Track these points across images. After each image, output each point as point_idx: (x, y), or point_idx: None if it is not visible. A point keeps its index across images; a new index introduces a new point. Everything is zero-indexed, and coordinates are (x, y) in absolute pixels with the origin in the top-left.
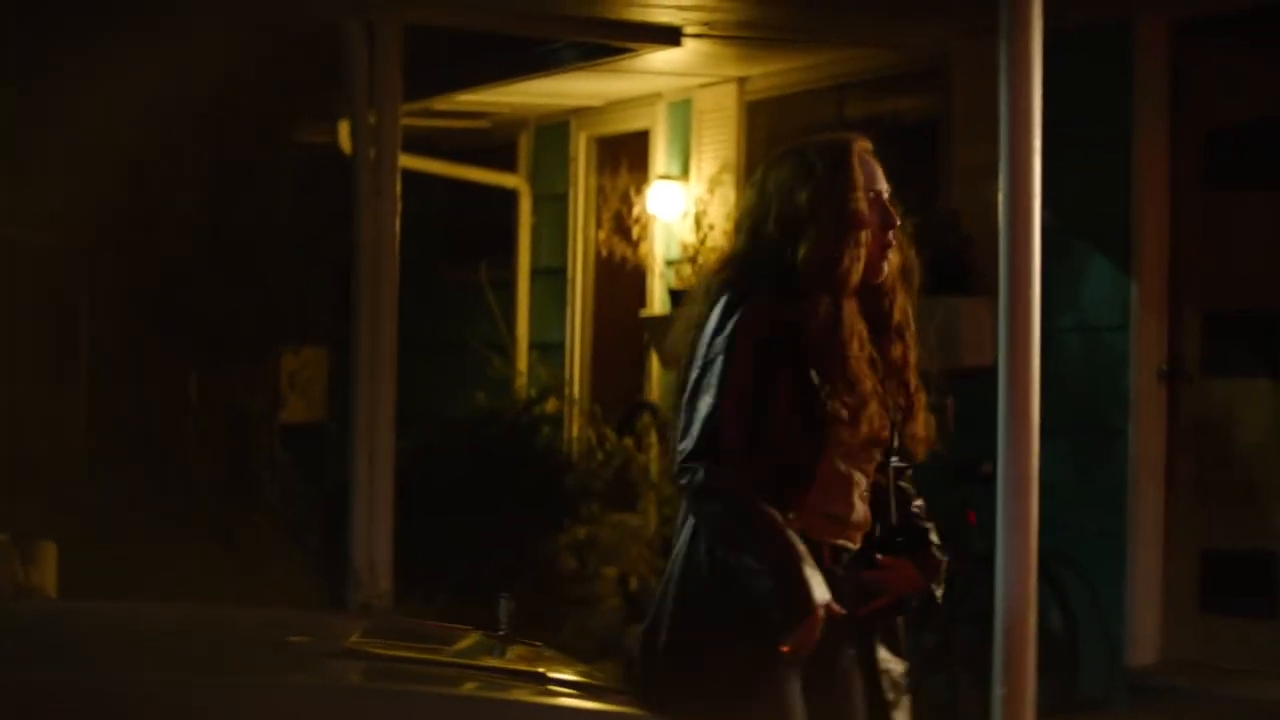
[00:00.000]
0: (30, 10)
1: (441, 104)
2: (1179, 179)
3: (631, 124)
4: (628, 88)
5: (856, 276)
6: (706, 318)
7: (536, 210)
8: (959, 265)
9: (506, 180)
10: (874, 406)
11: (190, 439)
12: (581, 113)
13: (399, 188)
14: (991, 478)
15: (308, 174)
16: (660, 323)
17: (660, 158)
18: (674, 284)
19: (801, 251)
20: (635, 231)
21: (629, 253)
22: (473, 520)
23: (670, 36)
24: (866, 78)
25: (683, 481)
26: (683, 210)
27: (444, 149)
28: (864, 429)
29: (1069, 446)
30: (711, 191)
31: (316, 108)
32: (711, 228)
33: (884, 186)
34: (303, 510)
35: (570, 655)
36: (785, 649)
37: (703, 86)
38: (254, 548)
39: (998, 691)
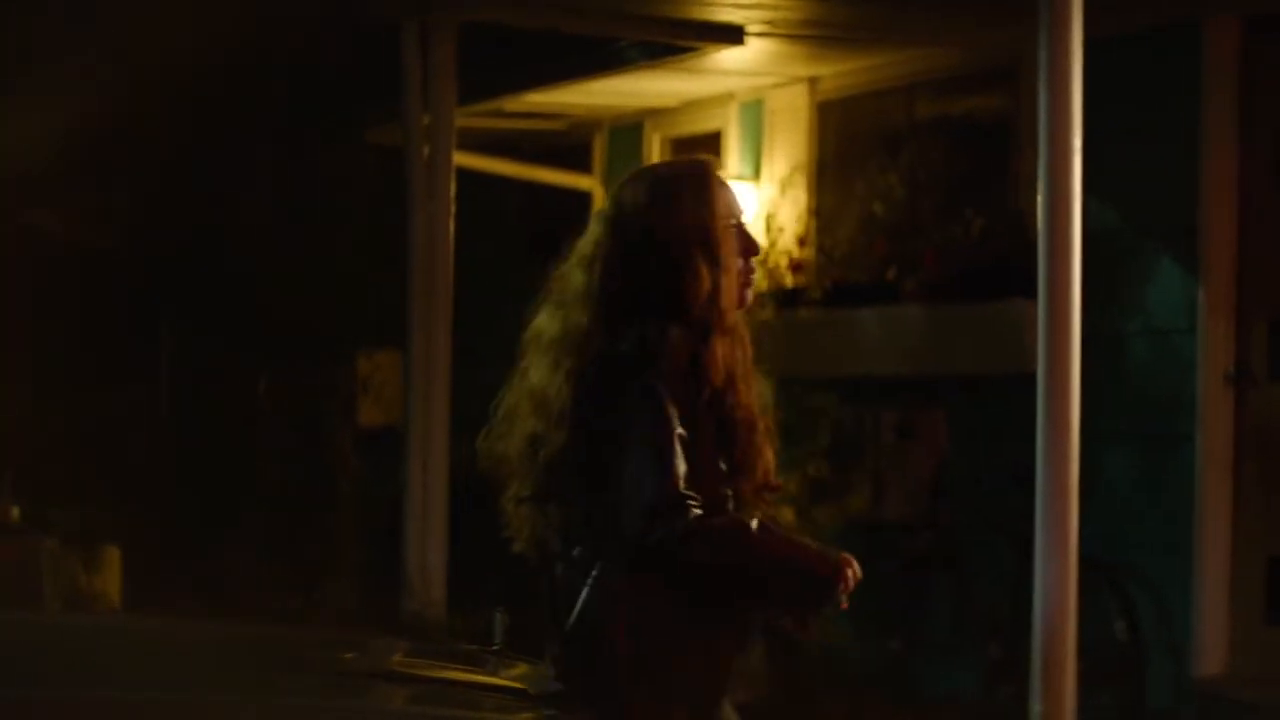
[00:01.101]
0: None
1: (513, 105)
2: (1248, 180)
3: (704, 125)
4: (700, 88)
5: (732, 311)
6: (586, 372)
7: None
8: (1026, 268)
9: (580, 182)
10: (768, 454)
11: (261, 442)
12: (655, 113)
13: (453, 189)
14: None
15: (383, 175)
16: None
17: (732, 159)
18: None
19: (684, 283)
20: None
21: None
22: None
23: (734, 35)
24: (936, 77)
25: (651, 543)
26: (754, 212)
27: (524, 151)
28: (759, 477)
29: (1135, 452)
30: (782, 193)
31: (390, 108)
32: (781, 230)
33: (740, 210)
34: (371, 516)
35: None
36: (844, 606)
37: (774, 87)
38: (323, 554)
39: (1036, 708)
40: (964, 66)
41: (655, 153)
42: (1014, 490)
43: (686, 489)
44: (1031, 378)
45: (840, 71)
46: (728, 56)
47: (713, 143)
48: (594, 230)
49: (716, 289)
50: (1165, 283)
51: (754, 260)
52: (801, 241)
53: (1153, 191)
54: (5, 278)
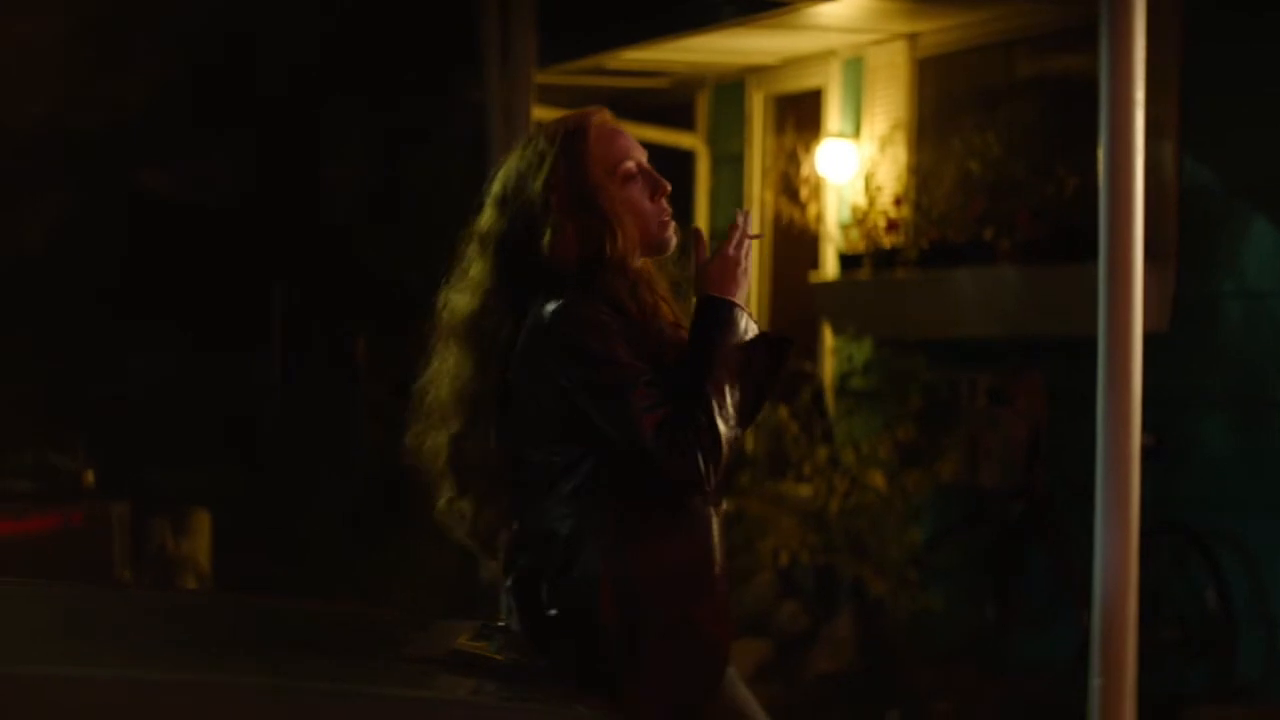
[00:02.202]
0: None
1: (613, 63)
2: None
3: (805, 82)
4: (801, 45)
5: (635, 254)
6: (504, 360)
7: (714, 171)
8: None
9: (683, 140)
10: None
11: (356, 406)
12: (757, 71)
13: None
14: (1153, 450)
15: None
16: (831, 289)
17: (834, 117)
18: (844, 248)
19: (544, 244)
20: (806, 193)
21: (803, 215)
22: None
23: None
24: (1033, 34)
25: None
26: (854, 171)
27: (627, 109)
28: None
29: (1230, 418)
30: (882, 151)
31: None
32: (879, 189)
33: (639, 154)
34: None
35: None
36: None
37: (875, 44)
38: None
39: (1095, 683)
40: (1060, 22)
41: (757, 111)
42: None
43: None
44: None
45: (939, 28)
46: (826, 12)
47: (814, 101)
48: (485, 211)
49: (599, 239)
50: (1261, 244)
51: (665, 201)
52: (898, 201)
53: (1248, 152)
54: (112, 238)
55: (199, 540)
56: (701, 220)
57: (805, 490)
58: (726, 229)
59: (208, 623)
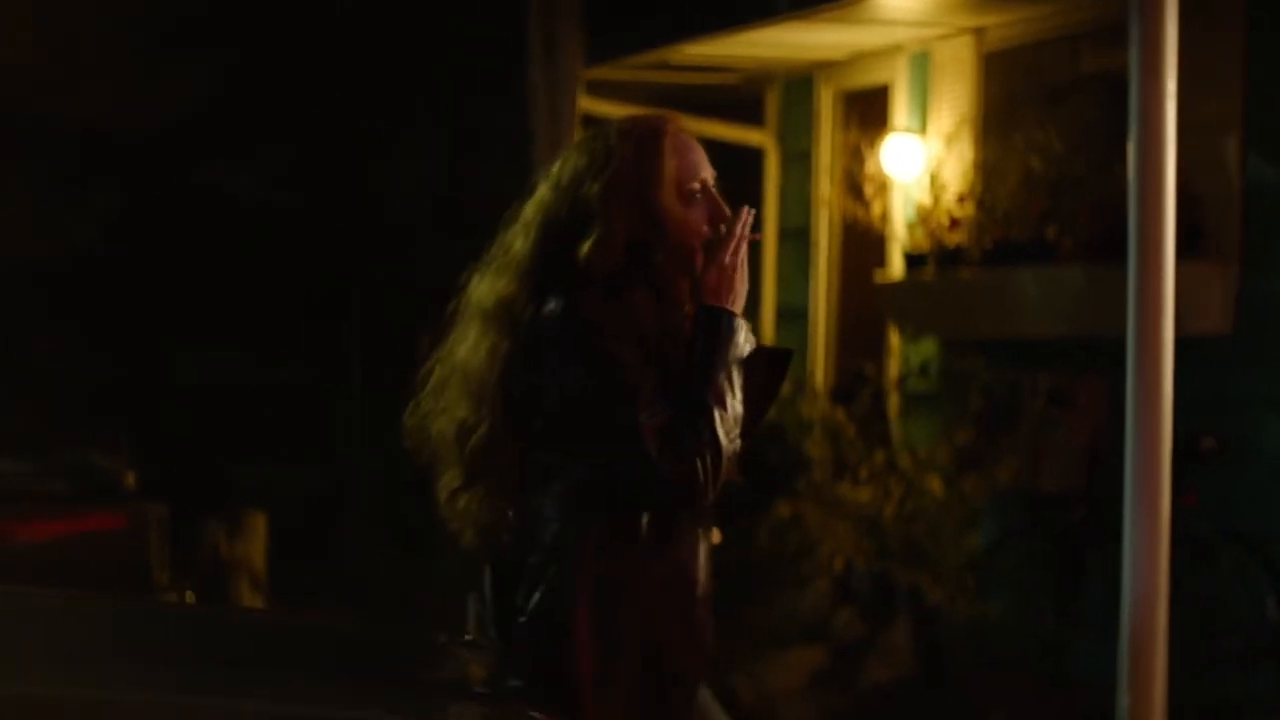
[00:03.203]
0: None
1: (677, 58)
2: None
3: (873, 78)
4: (867, 40)
5: (683, 280)
6: (520, 347)
7: (784, 169)
8: (1183, 227)
9: (752, 137)
10: None
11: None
12: (825, 66)
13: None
14: (1214, 454)
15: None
16: (896, 289)
17: (901, 113)
18: (909, 247)
19: (587, 244)
20: (871, 191)
21: (869, 213)
22: None
23: None
24: (1098, 27)
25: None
26: (920, 168)
27: (697, 105)
28: None
29: None
30: (947, 148)
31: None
32: (944, 187)
33: (708, 175)
34: None
35: (775, 638)
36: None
37: (941, 38)
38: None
39: (1123, 700)
40: (1125, 16)
41: (826, 107)
42: (1175, 463)
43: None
44: (1189, 343)
45: (1005, 22)
46: (891, 5)
47: (881, 96)
48: (539, 192)
49: (649, 253)
50: None
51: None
52: (961, 198)
53: None
54: (172, 236)
55: (254, 543)
56: (770, 219)
57: (863, 494)
58: (722, 234)
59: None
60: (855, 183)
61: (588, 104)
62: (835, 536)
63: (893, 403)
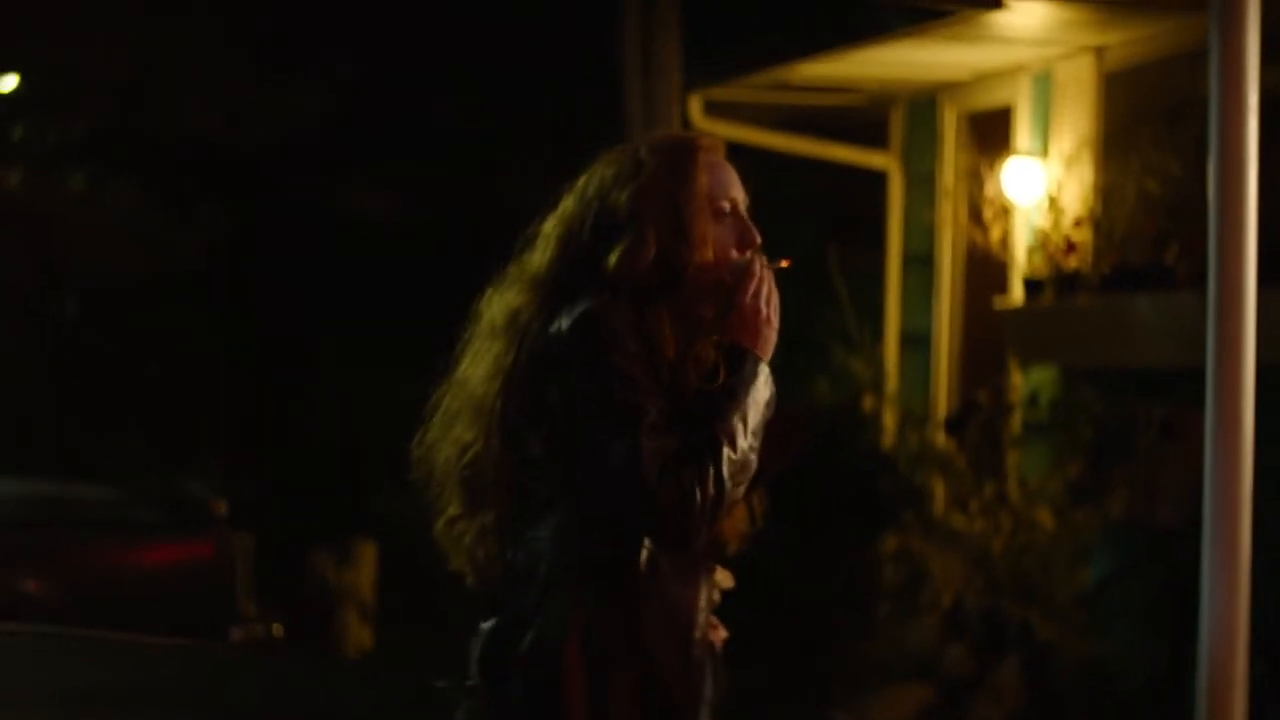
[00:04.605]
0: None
1: (796, 78)
2: None
3: (995, 99)
4: (989, 59)
5: (706, 302)
6: (525, 359)
7: (907, 192)
8: (1266, 250)
9: (875, 160)
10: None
11: None
12: (949, 87)
13: None
14: None
15: None
16: (1016, 316)
17: (1023, 135)
18: (1028, 272)
19: (615, 253)
20: (990, 215)
21: (991, 238)
22: (774, 528)
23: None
24: None
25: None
26: (1041, 192)
27: (814, 126)
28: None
29: None
30: (1068, 170)
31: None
32: (1062, 211)
33: (740, 196)
34: None
35: (882, 674)
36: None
37: (1062, 58)
38: None
39: None
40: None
41: (950, 128)
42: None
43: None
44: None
45: (1126, 40)
46: (1009, 23)
47: (1003, 118)
48: (561, 206)
49: (678, 269)
50: None
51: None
52: (1078, 222)
53: None
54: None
55: (363, 571)
56: (893, 244)
57: (977, 525)
58: (741, 271)
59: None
60: (978, 206)
61: (707, 125)
62: (944, 570)
63: (1006, 433)
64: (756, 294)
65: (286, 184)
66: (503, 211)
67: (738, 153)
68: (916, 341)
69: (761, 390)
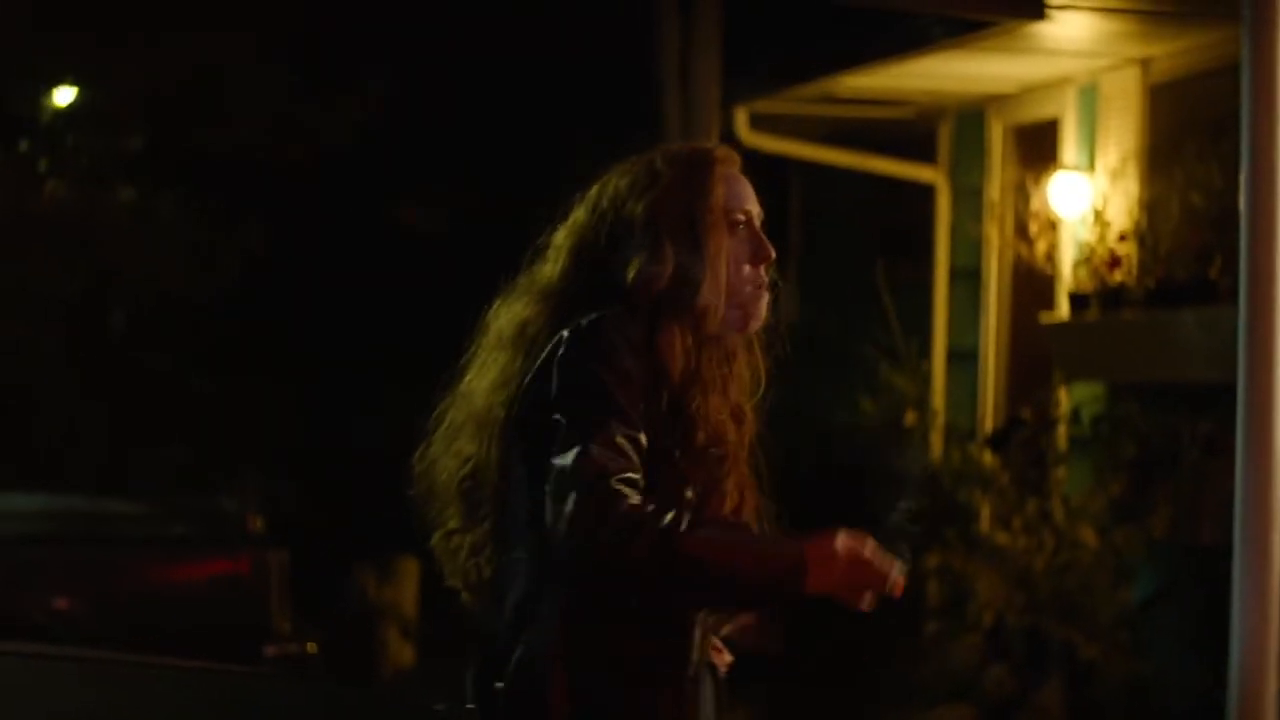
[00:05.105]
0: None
1: (843, 90)
2: None
3: (1042, 112)
4: (1035, 72)
5: (717, 314)
6: (531, 368)
7: (955, 206)
8: None
9: (923, 174)
10: (730, 484)
11: None
12: (996, 100)
13: None
14: None
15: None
16: (1061, 331)
17: (1069, 148)
18: (1073, 287)
19: (634, 265)
20: (1036, 229)
21: (1037, 252)
22: None
23: (1034, 9)
24: None
25: (576, 546)
26: (1086, 206)
27: (861, 139)
28: (712, 507)
29: None
30: (1113, 184)
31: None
32: (1107, 225)
33: (755, 209)
34: None
35: (923, 695)
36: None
37: (1108, 70)
38: None
39: None
40: None
41: (997, 141)
42: None
43: (624, 473)
44: None
45: (1172, 52)
46: (1053, 34)
47: (1050, 131)
48: (573, 217)
49: (693, 282)
50: None
51: (765, 269)
52: (1123, 236)
53: None
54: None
55: (405, 588)
56: (941, 259)
57: (1020, 543)
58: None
59: None
60: (1024, 221)
61: (753, 139)
62: (986, 589)
63: (1050, 449)
64: (881, 577)
65: (332, 197)
66: (545, 224)
67: (785, 167)
68: (964, 357)
69: (774, 585)
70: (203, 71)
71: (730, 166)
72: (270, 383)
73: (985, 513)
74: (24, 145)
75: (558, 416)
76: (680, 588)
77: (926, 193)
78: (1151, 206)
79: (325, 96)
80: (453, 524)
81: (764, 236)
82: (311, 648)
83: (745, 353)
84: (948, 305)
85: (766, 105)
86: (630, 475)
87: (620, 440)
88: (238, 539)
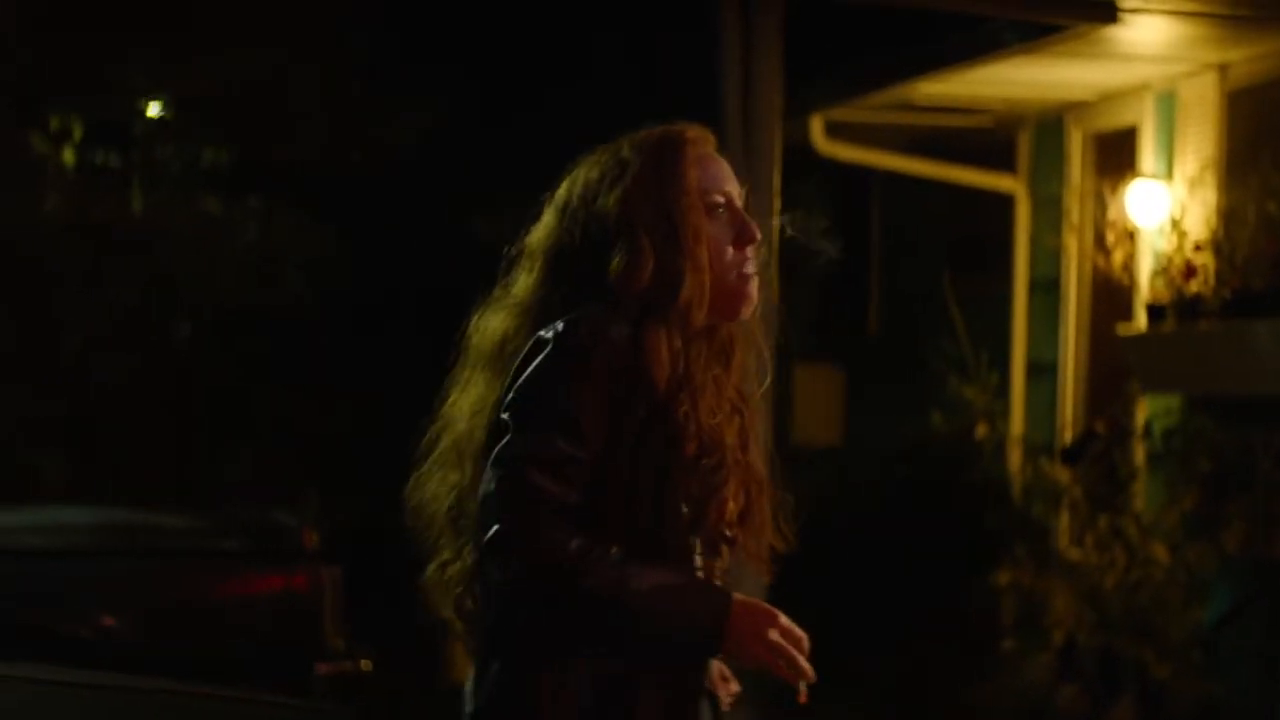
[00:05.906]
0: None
1: (920, 98)
2: None
3: (1121, 119)
4: (1114, 78)
5: (702, 306)
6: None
7: (1034, 216)
8: None
9: (1002, 183)
10: (730, 489)
11: None
12: (1075, 107)
13: (777, 181)
14: None
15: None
16: (1138, 343)
17: (1148, 156)
18: (1149, 298)
19: (614, 265)
20: (1113, 238)
21: (1114, 262)
22: (879, 564)
23: (1106, 13)
24: None
25: (496, 581)
26: (1164, 215)
27: (939, 148)
28: (711, 518)
29: None
30: (1191, 193)
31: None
32: (1185, 234)
33: (734, 189)
34: None
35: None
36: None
37: (1186, 76)
38: None
39: None
40: None
41: (1076, 150)
42: None
43: (556, 499)
44: None
45: (1252, 56)
46: (1128, 39)
47: (1129, 139)
48: (544, 219)
49: (674, 276)
50: None
51: (751, 251)
52: (1199, 246)
53: None
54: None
55: None
56: (1020, 269)
57: (1092, 560)
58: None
59: None
60: (1103, 230)
61: (830, 147)
62: (1056, 607)
63: (1124, 463)
64: (791, 664)
65: (400, 207)
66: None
67: (867, 177)
68: (1043, 370)
69: (687, 640)
70: (270, 81)
71: (703, 147)
72: (333, 395)
73: (1059, 528)
74: (100, 157)
75: (505, 416)
76: (582, 629)
77: (1006, 203)
78: (1229, 215)
79: (391, 106)
80: (447, 554)
81: (747, 217)
82: (366, 665)
83: (744, 340)
84: (1026, 316)
85: (843, 113)
86: (562, 502)
87: (561, 455)
88: (294, 554)
